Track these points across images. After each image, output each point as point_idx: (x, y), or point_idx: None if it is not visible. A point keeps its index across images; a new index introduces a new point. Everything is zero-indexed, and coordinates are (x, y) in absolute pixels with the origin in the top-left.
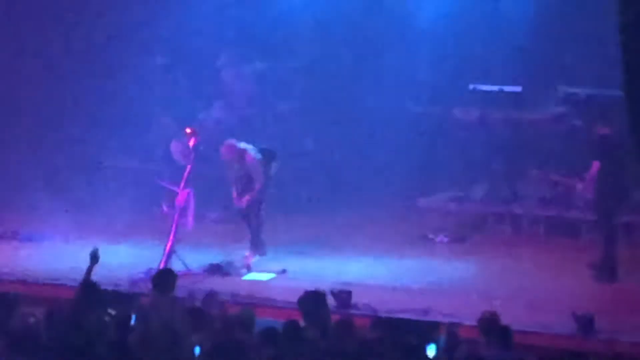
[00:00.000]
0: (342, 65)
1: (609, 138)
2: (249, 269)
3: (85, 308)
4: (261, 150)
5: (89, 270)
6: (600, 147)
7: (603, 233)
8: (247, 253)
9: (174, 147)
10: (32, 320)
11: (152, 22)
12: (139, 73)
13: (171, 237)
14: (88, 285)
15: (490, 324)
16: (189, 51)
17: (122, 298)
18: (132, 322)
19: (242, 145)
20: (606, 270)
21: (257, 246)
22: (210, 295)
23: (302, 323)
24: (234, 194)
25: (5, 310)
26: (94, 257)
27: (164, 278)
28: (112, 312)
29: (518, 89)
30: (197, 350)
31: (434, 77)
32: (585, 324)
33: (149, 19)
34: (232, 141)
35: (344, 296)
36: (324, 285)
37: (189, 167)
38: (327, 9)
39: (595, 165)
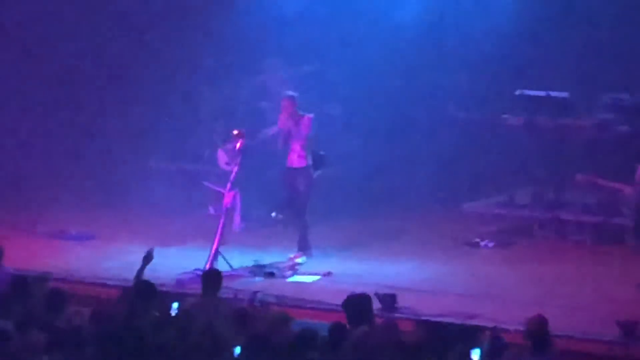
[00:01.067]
0: (388, 70)
1: None
2: (294, 271)
3: (138, 308)
4: (312, 154)
5: (141, 270)
6: None
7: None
8: (292, 255)
9: (221, 156)
10: (77, 319)
11: (201, 25)
12: (188, 75)
13: (217, 238)
14: (143, 285)
15: (536, 329)
16: (236, 53)
17: (167, 298)
18: (177, 322)
19: None
20: None
21: (304, 248)
22: (254, 294)
23: (346, 325)
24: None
25: (52, 309)
26: (148, 257)
27: (209, 279)
28: (157, 313)
29: (565, 94)
30: (237, 350)
31: (481, 83)
32: (629, 330)
33: (198, 22)
34: (294, 94)
35: (388, 299)
36: (369, 288)
37: (235, 168)
38: (375, 12)
39: None
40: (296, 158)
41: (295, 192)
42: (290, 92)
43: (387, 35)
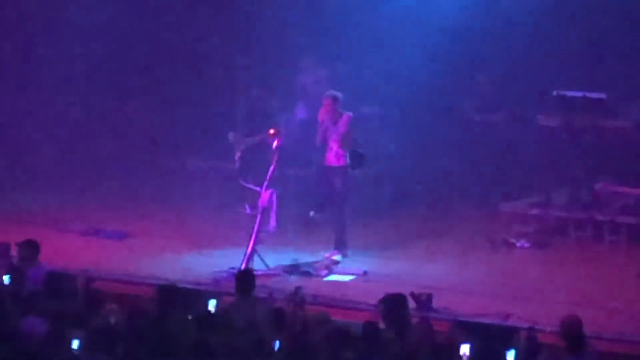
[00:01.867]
0: (424, 70)
1: None
2: (329, 270)
3: (167, 308)
4: (351, 152)
5: None
6: None
7: None
8: (328, 253)
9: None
10: (113, 318)
11: (233, 22)
12: (222, 72)
13: (253, 237)
14: (167, 286)
15: (570, 329)
16: (269, 51)
17: (203, 297)
18: (216, 320)
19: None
20: None
21: (340, 247)
22: (297, 289)
23: (381, 325)
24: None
25: (88, 307)
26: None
27: (244, 278)
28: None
29: (602, 95)
30: (276, 345)
31: (518, 83)
32: None
33: (229, 18)
34: (338, 95)
35: (424, 299)
36: (405, 288)
37: (272, 167)
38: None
39: None
40: (334, 157)
41: (332, 191)
42: (334, 92)
43: (423, 35)
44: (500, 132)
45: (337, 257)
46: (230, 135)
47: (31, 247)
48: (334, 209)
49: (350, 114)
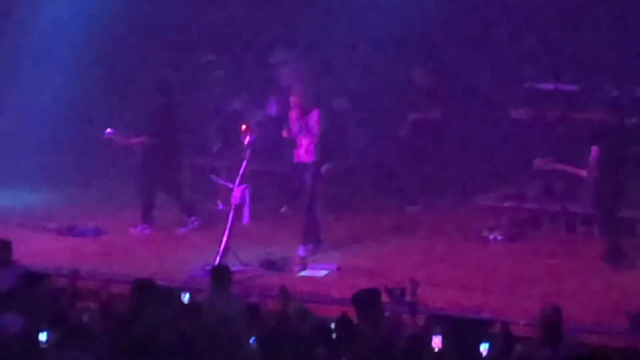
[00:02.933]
0: (396, 62)
1: (611, 125)
2: (303, 266)
3: (142, 305)
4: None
5: None
6: (601, 133)
7: (605, 224)
8: (300, 249)
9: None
10: (87, 316)
11: (201, 19)
12: (191, 70)
13: (227, 233)
14: (142, 282)
15: (550, 319)
16: (241, 47)
17: (178, 294)
18: (189, 313)
19: None
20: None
21: (308, 242)
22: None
23: (355, 320)
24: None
25: (60, 305)
26: None
27: (219, 274)
28: (167, 308)
29: (574, 87)
30: (252, 340)
31: (489, 75)
32: (638, 321)
33: (197, 15)
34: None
35: (397, 293)
36: (379, 282)
37: (244, 163)
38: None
39: (595, 150)
40: (304, 153)
41: (303, 186)
42: (302, 89)
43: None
44: (474, 125)
45: (308, 253)
46: (215, 148)
47: (2, 248)
48: (304, 205)
49: (319, 110)
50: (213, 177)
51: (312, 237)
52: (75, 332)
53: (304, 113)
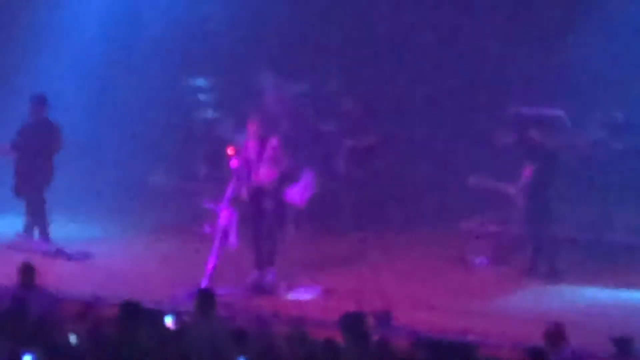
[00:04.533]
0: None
1: (543, 145)
2: (290, 289)
3: (128, 327)
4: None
5: None
6: (535, 153)
7: (537, 241)
8: (270, 274)
9: (288, 193)
10: (74, 338)
11: (187, 44)
12: (176, 93)
13: (214, 256)
14: (129, 305)
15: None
16: (229, 72)
17: (163, 317)
18: (175, 337)
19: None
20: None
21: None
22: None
23: (341, 343)
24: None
25: (48, 328)
26: None
27: (205, 297)
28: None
29: (559, 112)
30: None
31: (475, 99)
32: (624, 346)
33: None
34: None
35: (383, 316)
36: (364, 306)
37: (231, 186)
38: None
39: (528, 169)
40: (263, 178)
41: (263, 212)
42: (256, 115)
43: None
44: (459, 150)
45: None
46: (202, 171)
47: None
48: (262, 229)
49: (276, 137)
50: (200, 200)
51: (271, 261)
52: (62, 355)
53: (262, 140)
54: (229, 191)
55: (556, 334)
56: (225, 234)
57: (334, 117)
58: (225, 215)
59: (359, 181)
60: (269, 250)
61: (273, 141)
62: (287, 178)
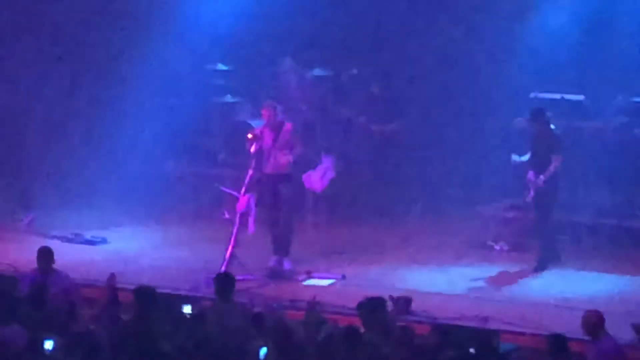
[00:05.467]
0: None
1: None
2: (308, 275)
3: (145, 312)
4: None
5: None
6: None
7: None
8: (286, 262)
9: (307, 179)
10: (92, 324)
11: (208, 27)
12: (196, 78)
13: (232, 241)
14: (144, 290)
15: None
16: (249, 56)
17: (181, 302)
18: (191, 325)
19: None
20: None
21: (280, 252)
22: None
23: (361, 329)
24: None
25: (66, 313)
26: None
27: (224, 283)
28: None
29: (580, 97)
30: (263, 351)
31: (496, 85)
32: None
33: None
34: (274, 104)
35: (403, 302)
36: (383, 292)
37: (250, 172)
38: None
39: (557, 159)
40: (278, 165)
41: (278, 198)
42: (270, 101)
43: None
44: (480, 135)
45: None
46: (220, 157)
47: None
48: (279, 216)
49: (291, 123)
50: (219, 185)
51: (286, 248)
52: (81, 340)
53: (277, 125)
54: (248, 177)
55: (595, 322)
56: (244, 220)
57: (354, 102)
58: (243, 201)
59: (379, 167)
60: (284, 238)
61: (287, 126)
62: (303, 163)
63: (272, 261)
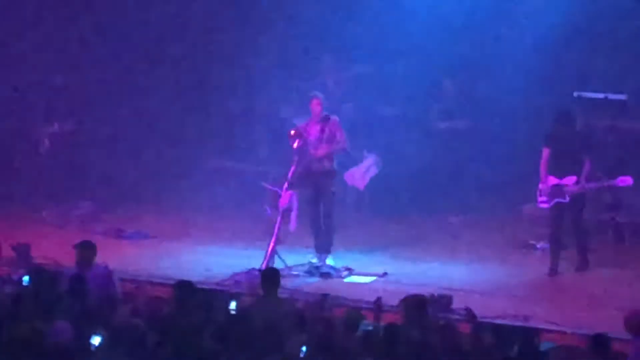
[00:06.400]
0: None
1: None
2: (350, 271)
3: (185, 307)
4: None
5: None
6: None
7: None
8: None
9: (349, 176)
10: (134, 319)
11: (251, 26)
12: (244, 74)
13: (273, 238)
14: (183, 285)
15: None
16: (292, 54)
17: (223, 298)
18: (236, 321)
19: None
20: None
21: (322, 250)
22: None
23: (402, 326)
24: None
25: (109, 308)
26: None
27: (270, 278)
28: (211, 313)
29: (622, 96)
30: (304, 349)
31: (541, 85)
32: None
33: (242, 20)
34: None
35: (444, 301)
36: (425, 289)
37: (292, 168)
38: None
39: (589, 163)
40: (324, 160)
41: (323, 193)
42: (317, 93)
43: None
44: (521, 134)
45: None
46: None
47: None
48: (322, 212)
49: (336, 117)
50: (262, 182)
51: (328, 246)
52: (123, 334)
53: (323, 118)
54: (291, 173)
55: (638, 321)
56: (286, 216)
57: (397, 100)
58: (286, 197)
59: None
60: (326, 234)
61: (334, 119)
62: (345, 159)
63: (313, 258)
